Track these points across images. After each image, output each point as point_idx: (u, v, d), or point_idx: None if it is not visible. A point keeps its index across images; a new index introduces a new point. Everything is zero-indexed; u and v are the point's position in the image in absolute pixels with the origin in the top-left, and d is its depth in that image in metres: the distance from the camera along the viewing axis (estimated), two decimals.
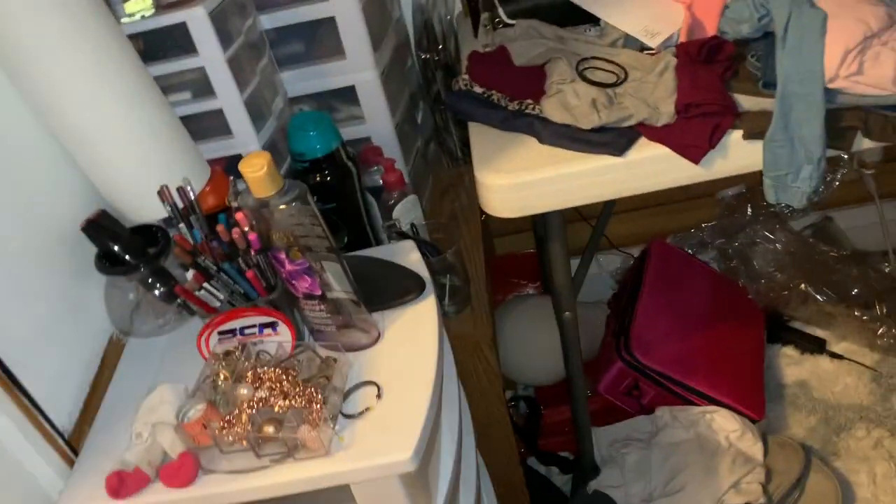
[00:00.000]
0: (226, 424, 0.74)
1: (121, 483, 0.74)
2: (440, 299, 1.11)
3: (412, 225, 1.09)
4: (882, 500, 1.43)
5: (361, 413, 0.77)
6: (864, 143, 0.95)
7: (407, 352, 0.83)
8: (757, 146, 0.95)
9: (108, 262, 0.89)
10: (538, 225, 1.64)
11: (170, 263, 0.93)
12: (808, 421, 1.59)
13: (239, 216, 0.77)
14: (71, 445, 0.81)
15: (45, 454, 0.77)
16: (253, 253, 0.78)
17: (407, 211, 1.11)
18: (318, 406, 0.75)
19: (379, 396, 0.79)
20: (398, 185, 1.10)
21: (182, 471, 0.74)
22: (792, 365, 1.71)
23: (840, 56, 0.89)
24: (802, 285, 1.70)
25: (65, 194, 0.92)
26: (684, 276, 1.71)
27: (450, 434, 0.89)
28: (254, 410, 0.74)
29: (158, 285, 0.92)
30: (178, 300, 0.93)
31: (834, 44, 0.90)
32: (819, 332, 1.72)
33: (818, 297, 1.69)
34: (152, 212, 0.88)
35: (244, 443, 0.74)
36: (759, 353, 1.65)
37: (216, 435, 0.73)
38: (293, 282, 0.80)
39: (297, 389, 0.76)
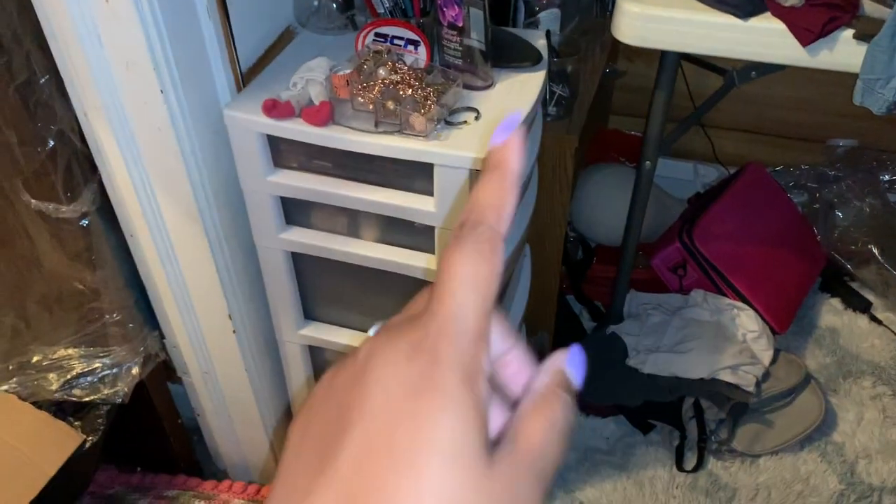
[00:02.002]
0: (362, 88, 0.96)
1: (274, 106, 0.99)
2: (545, 104, 1.30)
3: (548, 31, 1.26)
4: (858, 438, 1.58)
5: (459, 124, 0.98)
6: None
7: (509, 99, 1.03)
8: (861, 50, 1.07)
9: None
10: None
11: None
12: (823, 359, 1.73)
13: None
14: (244, 79, 1.06)
15: (228, 72, 1.02)
16: None
17: (548, 21, 1.29)
18: (431, 104, 0.96)
19: (477, 118, 0.99)
20: None
21: (320, 113, 0.98)
22: (832, 313, 1.83)
23: None
24: (871, 247, 1.80)
25: None
26: (767, 200, 1.83)
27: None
28: (385, 87, 0.96)
29: None
30: (348, 13, 1.16)
31: None
32: (869, 296, 1.83)
33: (883, 262, 1.78)
34: None
35: (371, 106, 0.96)
36: (805, 287, 1.77)
37: (354, 91, 0.96)
38: (444, 8, 1.00)
39: (420, 86, 0.97)
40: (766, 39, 1.11)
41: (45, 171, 1.01)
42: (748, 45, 1.12)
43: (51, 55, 0.92)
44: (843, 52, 1.08)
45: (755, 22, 1.10)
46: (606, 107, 2.01)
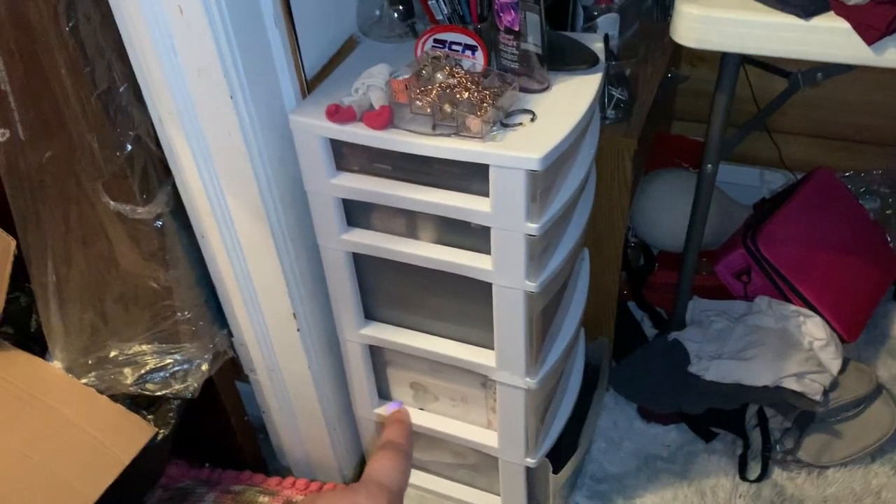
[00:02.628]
0: (421, 92, 0.99)
1: (336, 111, 1.02)
2: (603, 107, 1.31)
3: (606, 34, 1.27)
4: None
5: (515, 126, 1.00)
6: None
7: (565, 101, 1.04)
8: None
9: None
10: None
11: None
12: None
13: None
14: (309, 86, 1.10)
15: (293, 79, 1.06)
16: None
17: (607, 25, 1.30)
18: (487, 106, 0.98)
19: (532, 120, 1.01)
20: (607, 0, 1.28)
21: (380, 117, 1.01)
22: None
23: None
24: None
25: None
26: (836, 206, 1.78)
27: (569, 187, 1.10)
28: (443, 91, 0.99)
29: (400, 6, 1.18)
30: (409, 21, 1.19)
31: None
32: None
33: None
34: None
35: (429, 110, 0.99)
36: (877, 295, 1.72)
37: (412, 95, 0.99)
38: (501, 13, 1.02)
39: (477, 90, 1.00)
40: (830, 39, 1.09)
41: (122, 174, 1.07)
42: (811, 46, 1.11)
43: (129, 64, 0.98)
44: None
45: (817, 21, 1.09)
46: (669, 112, 1.99)
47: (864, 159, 1.89)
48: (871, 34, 1.06)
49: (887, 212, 1.81)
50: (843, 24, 1.08)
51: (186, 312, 1.25)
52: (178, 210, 1.15)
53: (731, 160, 1.97)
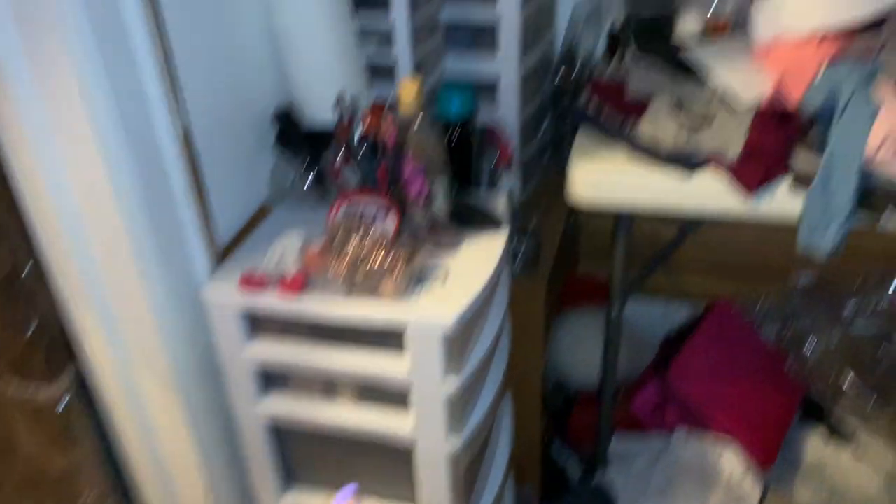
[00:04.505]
0: (335, 259, 1.01)
1: (250, 280, 1.03)
2: (513, 258, 1.36)
3: (510, 190, 1.34)
4: None
5: (429, 285, 1.03)
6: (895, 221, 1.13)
7: (474, 259, 1.09)
8: (800, 201, 1.14)
9: (285, 141, 1.20)
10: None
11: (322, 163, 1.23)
12: (813, 495, 1.71)
13: (389, 117, 1.05)
14: (223, 253, 1.11)
15: (206, 252, 1.07)
16: (390, 145, 1.06)
17: (510, 181, 1.37)
18: (401, 268, 1.01)
19: (444, 281, 1.04)
20: (506, 161, 1.36)
21: (294, 284, 1.02)
22: (816, 445, 1.82)
23: (881, 139, 1.09)
24: (845, 377, 1.82)
25: (265, 86, 1.23)
26: (738, 336, 1.86)
27: (484, 341, 1.13)
28: (356, 256, 1.02)
29: (312, 174, 1.22)
30: (321, 188, 1.23)
31: (880, 128, 1.09)
32: (851, 424, 1.83)
33: (858, 392, 1.81)
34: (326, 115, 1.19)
35: (343, 275, 1.01)
36: (786, 420, 1.78)
37: (326, 262, 1.01)
38: (410, 181, 1.07)
39: (390, 253, 1.03)
40: (712, 193, 1.18)
41: (26, 355, 1.03)
42: (695, 200, 1.18)
43: (34, 244, 0.97)
44: (784, 203, 1.14)
45: (700, 179, 1.18)
46: (575, 251, 2.08)
47: (761, 288, 2.00)
48: (747, 187, 1.16)
49: (787, 337, 1.91)
50: (720, 183, 1.17)
51: (94, 492, 1.18)
52: (84, 389, 1.11)
53: (634, 296, 2.06)
